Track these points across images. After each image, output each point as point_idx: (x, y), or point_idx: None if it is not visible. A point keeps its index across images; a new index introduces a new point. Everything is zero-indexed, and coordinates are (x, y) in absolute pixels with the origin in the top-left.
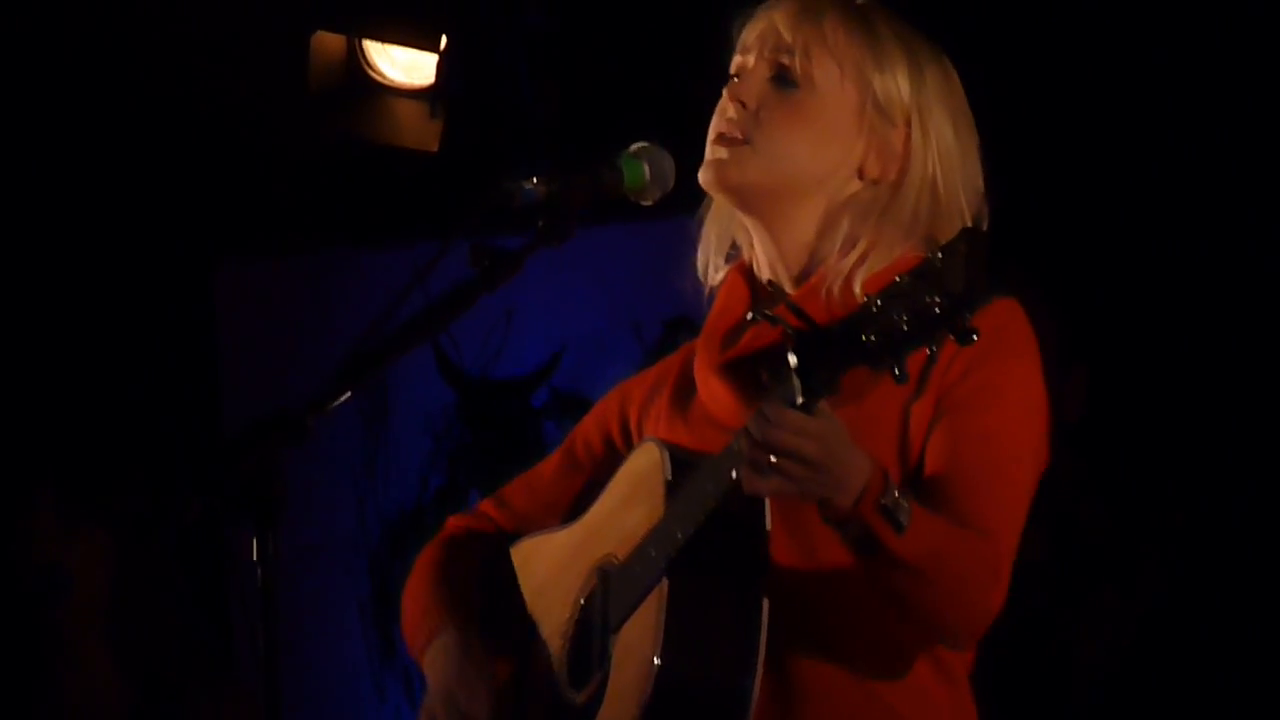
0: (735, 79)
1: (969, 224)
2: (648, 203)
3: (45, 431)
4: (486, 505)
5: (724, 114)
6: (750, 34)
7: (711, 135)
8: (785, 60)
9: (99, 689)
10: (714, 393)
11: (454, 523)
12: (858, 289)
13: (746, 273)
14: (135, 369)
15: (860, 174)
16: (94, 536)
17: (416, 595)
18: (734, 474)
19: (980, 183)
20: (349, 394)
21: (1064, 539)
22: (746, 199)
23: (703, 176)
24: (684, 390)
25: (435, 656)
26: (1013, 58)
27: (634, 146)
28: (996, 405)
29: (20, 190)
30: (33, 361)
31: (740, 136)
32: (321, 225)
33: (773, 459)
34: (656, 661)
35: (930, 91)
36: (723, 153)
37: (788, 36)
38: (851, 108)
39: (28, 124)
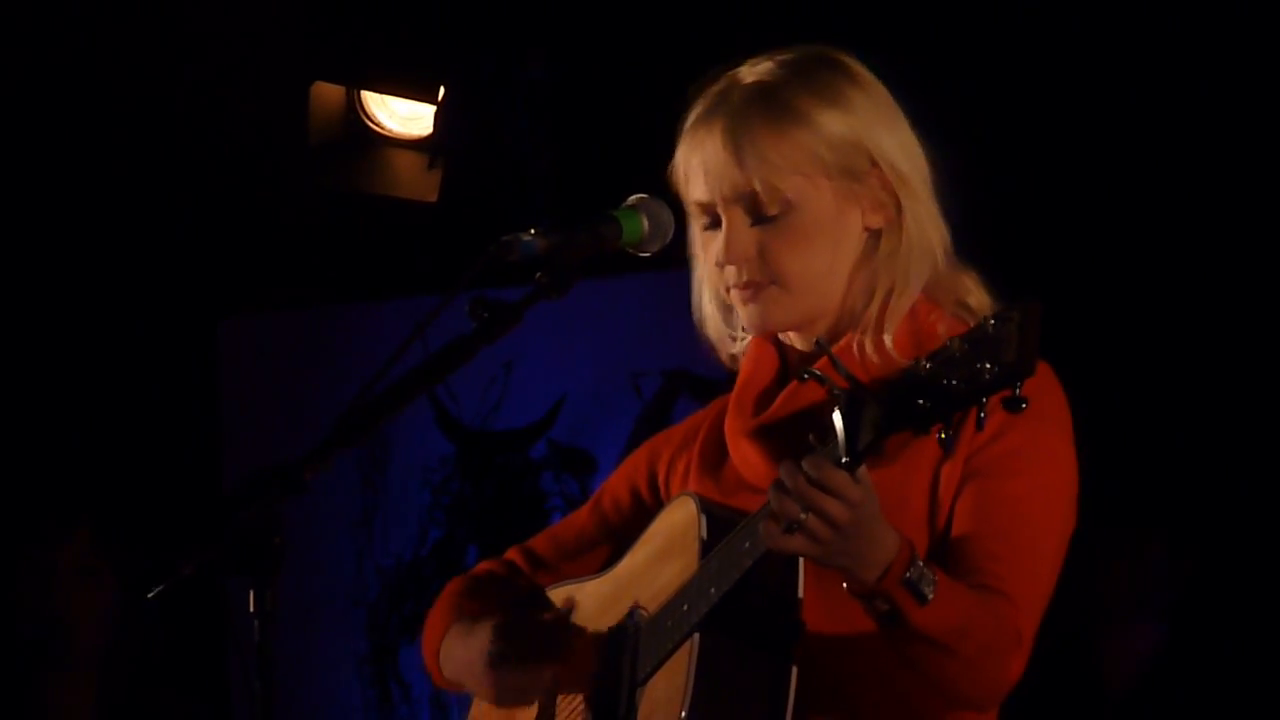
0: (708, 228)
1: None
2: (646, 255)
3: (47, 482)
4: (513, 554)
5: (727, 277)
6: (696, 175)
7: (728, 288)
8: (751, 201)
9: None
10: (747, 457)
11: (482, 565)
12: (888, 338)
13: (772, 337)
14: (137, 422)
15: (867, 229)
16: (102, 589)
17: (433, 615)
18: None
19: (918, 159)
20: (347, 446)
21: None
22: (798, 326)
23: (750, 327)
24: (714, 452)
25: (449, 648)
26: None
27: (632, 199)
28: (1025, 471)
29: (24, 241)
30: (35, 412)
31: (763, 281)
32: (321, 278)
33: (801, 516)
34: (684, 715)
35: (863, 118)
36: (757, 302)
37: (738, 176)
38: (831, 195)
39: (32, 181)
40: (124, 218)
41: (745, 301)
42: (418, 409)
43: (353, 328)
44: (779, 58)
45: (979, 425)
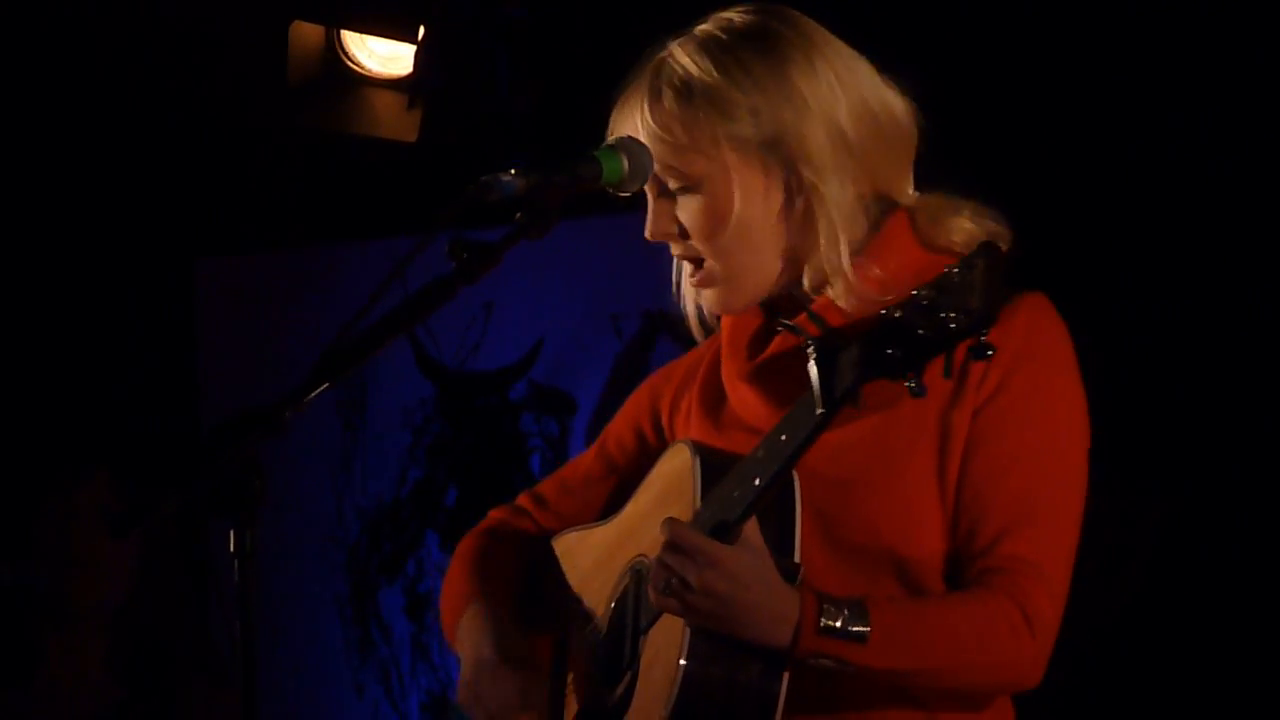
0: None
1: (908, 132)
2: (626, 195)
3: (63, 426)
4: (524, 500)
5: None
6: None
7: (682, 265)
8: (660, 181)
9: (85, 681)
10: (744, 399)
11: (494, 514)
12: (847, 263)
13: None
14: (114, 363)
15: (786, 190)
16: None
17: (452, 580)
18: (757, 481)
19: (880, 94)
20: (326, 387)
21: None
22: (756, 300)
23: (710, 310)
24: (713, 392)
25: (464, 629)
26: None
27: (612, 138)
28: (1036, 420)
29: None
30: (11, 356)
31: (694, 257)
32: (300, 218)
33: (672, 580)
34: (682, 663)
35: (767, 89)
36: (709, 288)
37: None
38: (734, 166)
39: (5, 121)
40: (101, 156)
41: (699, 287)
42: (397, 350)
43: (331, 268)
44: (702, 29)
45: (946, 372)
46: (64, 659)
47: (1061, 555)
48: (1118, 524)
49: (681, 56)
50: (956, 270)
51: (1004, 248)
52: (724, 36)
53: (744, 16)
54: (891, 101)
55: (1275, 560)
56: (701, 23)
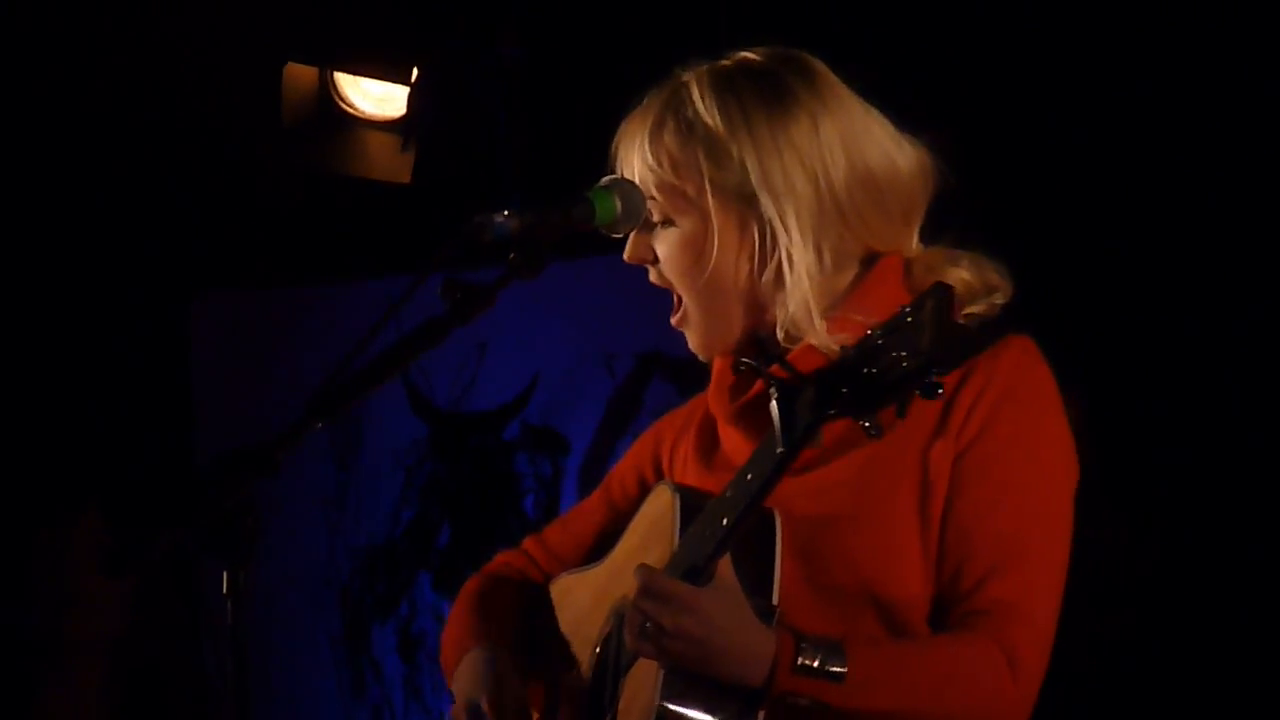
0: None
1: (914, 192)
2: (619, 236)
3: (54, 464)
4: (529, 543)
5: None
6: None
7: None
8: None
9: (81, 717)
10: (732, 440)
11: (499, 558)
12: (818, 323)
13: None
14: (109, 400)
15: (759, 241)
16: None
17: (454, 622)
18: (725, 521)
19: (888, 156)
20: (320, 426)
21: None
22: (733, 345)
23: (698, 355)
24: (707, 437)
25: (462, 671)
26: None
27: (605, 180)
28: (1020, 462)
29: None
30: (5, 391)
31: (674, 295)
32: (294, 258)
33: (647, 624)
34: (658, 704)
35: (760, 141)
36: (686, 329)
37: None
38: (715, 214)
39: (4, 160)
40: (98, 196)
41: (677, 327)
42: (391, 390)
43: (325, 308)
44: (723, 65)
45: (900, 411)
46: (59, 695)
47: (1047, 598)
48: (1108, 560)
49: (695, 91)
50: (908, 311)
51: (1001, 300)
52: (738, 80)
53: (764, 63)
54: (899, 163)
55: (1268, 596)
56: (726, 57)
